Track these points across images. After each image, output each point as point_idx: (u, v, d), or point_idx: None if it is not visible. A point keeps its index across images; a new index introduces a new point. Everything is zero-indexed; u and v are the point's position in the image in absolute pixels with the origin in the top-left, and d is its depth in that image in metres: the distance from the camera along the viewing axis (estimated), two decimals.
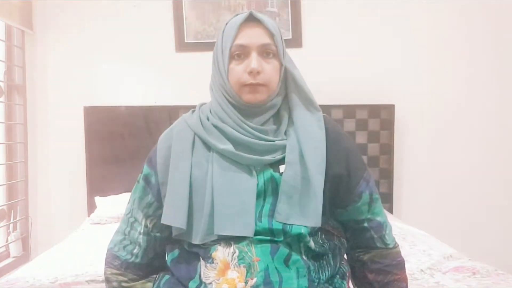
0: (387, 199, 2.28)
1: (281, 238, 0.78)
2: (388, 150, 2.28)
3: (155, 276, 0.91)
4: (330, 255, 0.85)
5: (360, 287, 0.91)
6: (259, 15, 0.83)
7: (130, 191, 0.92)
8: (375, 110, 2.26)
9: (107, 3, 2.26)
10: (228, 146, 0.81)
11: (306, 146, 0.81)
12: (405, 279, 0.89)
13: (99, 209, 2.05)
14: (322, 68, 2.27)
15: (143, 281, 0.89)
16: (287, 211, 0.79)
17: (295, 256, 0.78)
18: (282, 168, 0.82)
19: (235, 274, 0.75)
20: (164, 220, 0.82)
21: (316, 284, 0.79)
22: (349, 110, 2.25)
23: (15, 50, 2.26)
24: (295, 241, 0.80)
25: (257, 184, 0.81)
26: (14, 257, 2.19)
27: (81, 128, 2.23)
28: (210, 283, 0.76)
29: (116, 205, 1.98)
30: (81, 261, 1.39)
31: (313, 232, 0.82)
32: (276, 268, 0.76)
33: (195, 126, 0.85)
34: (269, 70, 0.82)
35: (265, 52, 0.82)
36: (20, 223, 2.28)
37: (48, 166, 2.32)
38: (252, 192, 0.79)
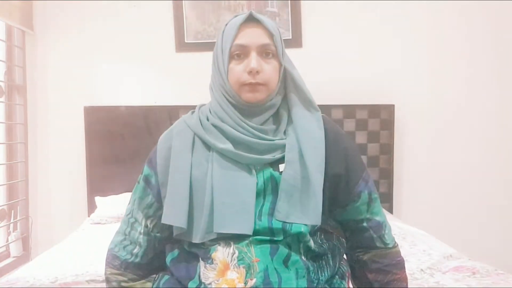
0: (387, 199, 2.28)
1: (281, 238, 0.78)
2: (388, 150, 2.28)
3: (154, 276, 0.91)
4: (329, 255, 0.85)
5: (360, 287, 0.91)
6: (259, 16, 0.83)
7: (130, 191, 0.93)
8: (375, 110, 2.26)
9: (107, 3, 2.26)
10: (228, 146, 0.81)
11: (305, 145, 0.82)
12: (405, 279, 0.90)
13: (99, 209, 2.05)
14: (322, 68, 2.27)
15: (143, 281, 0.90)
16: (287, 209, 0.79)
17: (294, 257, 0.78)
18: (281, 167, 0.82)
19: (234, 275, 0.75)
20: (165, 220, 0.82)
21: (315, 284, 0.79)
22: (349, 110, 2.25)
23: (15, 50, 2.26)
24: (295, 241, 0.80)
25: (257, 183, 0.81)
26: (14, 257, 2.19)
27: (81, 128, 2.23)
28: (209, 284, 0.76)
29: (116, 205, 1.98)
30: (81, 261, 1.39)
31: (313, 232, 0.82)
32: (275, 268, 0.76)
33: (194, 126, 0.86)
34: (269, 70, 0.82)
35: (264, 52, 0.82)
36: (21, 223, 2.28)
37: (48, 166, 2.32)
38: (251, 191, 0.80)
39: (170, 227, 0.85)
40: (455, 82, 2.33)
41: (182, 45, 2.28)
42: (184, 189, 0.81)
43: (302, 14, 2.27)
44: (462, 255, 1.42)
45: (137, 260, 0.88)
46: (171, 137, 0.87)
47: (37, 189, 2.32)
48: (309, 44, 2.30)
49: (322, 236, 0.86)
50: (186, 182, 0.81)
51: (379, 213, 0.89)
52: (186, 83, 2.26)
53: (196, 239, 0.80)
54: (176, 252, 0.86)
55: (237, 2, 2.26)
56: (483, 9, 2.29)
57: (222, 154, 0.82)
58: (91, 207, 2.16)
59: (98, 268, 1.24)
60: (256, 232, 0.78)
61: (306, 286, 0.77)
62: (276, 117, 0.88)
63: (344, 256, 0.93)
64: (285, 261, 0.77)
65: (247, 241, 0.77)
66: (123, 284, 0.88)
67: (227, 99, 0.84)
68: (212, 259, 0.78)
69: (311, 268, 0.80)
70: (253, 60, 0.80)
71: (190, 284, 0.79)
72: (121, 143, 2.22)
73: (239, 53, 0.82)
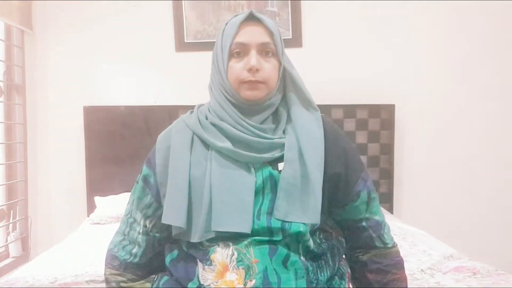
0: (387, 199, 2.28)
1: (280, 237, 0.78)
2: (388, 150, 2.28)
3: (154, 276, 0.91)
4: (328, 255, 0.85)
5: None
6: (259, 15, 0.84)
7: (130, 191, 0.92)
8: (375, 110, 2.26)
9: (107, 3, 2.26)
10: (227, 144, 0.81)
11: (305, 144, 0.82)
12: (404, 279, 0.89)
13: (99, 209, 2.05)
14: (322, 68, 2.27)
15: (142, 281, 0.89)
16: (286, 208, 0.79)
17: (293, 257, 0.78)
18: (280, 166, 0.82)
19: (233, 276, 0.75)
20: (164, 220, 0.82)
21: (314, 285, 0.79)
22: (349, 110, 2.25)
23: (14, 50, 2.25)
24: (294, 241, 0.79)
25: (256, 182, 0.81)
26: (13, 257, 2.19)
27: (81, 128, 2.23)
28: (208, 285, 0.76)
29: (116, 205, 1.98)
30: (81, 261, 1.39)
31: (312, 232, 0.82)
32: (274, 269, 0.76)
33: (193, 125, 0.86)
34: (268, 68, 0.83)
35: (264, 50, 0.83)
36: (20, 223, 2.28)
37: (47, 166, 2.31)
38: (250, 189, 0.80)
39: (169, 227, 0.85)
40: (455, 82, 2.33)
41: (182, 45, 2.27)
42: (183, 188, 0.81)
43: (302, 14, 2.27)
44: (463, 255, 1.42)
45: (136, 260, 0.88)
46: (170, 137, 0.87)
47: (36, 189, 2.32)
48: (309, 44, 2.29)
49: (321, 236, 0.86)
50: (185, 181, 0.81)
51: (378, 213, 0.89)
52: (186, 83, 2.26)
53: (194, 238, 0.80)
54: (175, 252, 0.86)
55: (237, 2, 2.26)
56: (483, 9, 2.29)
57: (221, 152, 0.82)
58: (91, 207, 2.16)
59: (97, 268, 1.23)
60: (255, 232, 0.78)
61: (305, 286, 0.77)
62: (275, 116, 0.88)
63: (344, 256, 0.93)
64: (284, 262, 0.77)
65: (246, 242, 0.77)
66: (122, 284, 0.87)
67: (226, 98, 0.84)
68: (211, 261, 0.77)
69: (310, 268, 0.80)
70: (253, 58, 0.80)
71: (190, 285, 0.79)
72: (121, 143, 2.21)
73: (239, 51, 0.82)
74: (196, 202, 0.81)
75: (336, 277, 0.86)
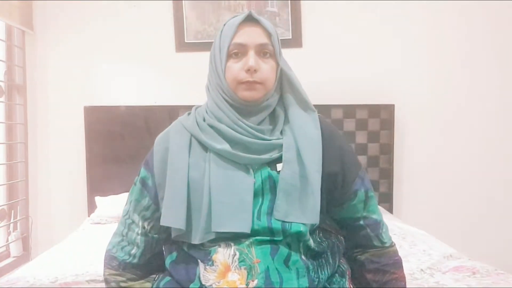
0: (387, 199, 2.28)
1: (281, 238, 0.79)
2: (388, 150, 2.28)
3: (154, 276, 0.91)
4: (328, 254, 0.85)
5: (359, 287, 0.92)
6: (257, 16, 0.84)
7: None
8: (375, 110, 2.26)
9: (107, 3, 2.26)
10: (225, 146, 0.82)
11: (303, 145, 0.82)
12: (403, 278, 0.90)
13: (99, 209, 2.05)
14: (322, 68, 2.27)
15: (142, 281, 0.90)
16: (286, 208, 0.80)
17: (294, 257, 0.78)
18: (279, 166, 0.83)
19: (236, 276, 0.75)
20: (164, 222, 0.82)
21: (316, 283, 0.79)
22: (349, 110, 2.25)
23: (15, 50, 2.26)
24: (295, 241, 0.80)
25: (255, 183, 0.81)
26: (14, 256, 2.19)
27: (81, 128, 2.23)
28: (210, 286, 0.76)
29: (116, 205, 1.98)
30: (81, 261, 1.39)
31: (311, 231, 0.83)
32: (276, 269, 0.76)
33: (191, 127, 0.86)
34: (266, 69, 0.83)
35: (262, 51, 0.83)
36: (21, 223, 2.28)
37: (48, 166, 2.32)
38: (249, 190, 0.80)
39: (168, 229, 0.85)
40: (455, 82, 2.33)
41: (182, 45, 2.28)
42: (182, 190, 0.81)
43: (302, 14, 2.27)
44: (462, 255, 1.42)
45: (135, 261, 0.88)
46: (168, 139, 0.87)
47: (37, 189, 2.32)
48: (309, 44, 2.30)
49: (321, 234, 0.86)
50: (183, 183, 0.81)
51: (375, 211, 0.90)
52: (186, 83, 2.26)
53: (195, 240, 0.80)
54: (174, 254, 0.86)
55: (237, 2, 2.26)
56: (483, 9, 2.29)
57: (219, 154, 0.83)
58: (91, 207, 2.16)
59: (98, 268, 1.23)
60: (256, 232, 0.78)
61: (307, 285, 0.77)
62: (272, 117, 0.88)
63: (343, 255, 0.93)
64: (286, 261, 0.78)
65: (247, 243, 0.77)
66: (122, 284, 0.88)
67: (224, 98, 0.84)
68: (213, 261, 0.78)
69: (311, 267, 0.80)
70: (251, 59, 0.81)
71: (191, 286, 0.79)
72: (121, 143, 2.22)
73: (237, 51, 0.82)
74: (195, 204, 0.81)
75: (337, 275, 0.87)
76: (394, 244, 0.91)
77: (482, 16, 2.30)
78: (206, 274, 0.78)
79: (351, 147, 0.93)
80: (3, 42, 2.19)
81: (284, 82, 0.88)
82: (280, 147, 0.84)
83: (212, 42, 0.88)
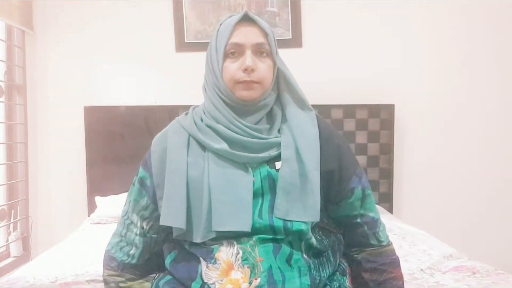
0: (387, 199, 2.28)
1: (283, 236, 0.79)
2: (388, 150, 2.28)
3: (153, 275, 0.91)
4: (329, 251, 0.86)
5: (356, 287, 0.92)
6: (253, 16, 0.85)
7: None
8: (375, 110, 2.26)
9: (107, 3, 2.26)
10: (223, 145, 0.82)
11: (301, 143, 0.83)
12: (400, 277, 0.90)
13: (99, 209, 2.05)
14: (322, 68, 2.27)
15: (141, 280, 0.90)
16: (286, 206, 0.80)
17: (296, 255, 0.79)
18: (278, 164, 0.83)
19: (239, 275, 0.76)
20: (163, 221, 0.82)
21: (317, 281, 0.79)
22: (349, 110, 2.25)
23: (15, 50, 2.26)
24: (296, 239, 0.80)
25: (254, 182, 0.81)
26: (14, 256, 2.19)
27: (81, 128, 2.23)
28: (212, 284, 0.76)
29: (117, 205, 1.97)
30: (81, 261, 1.39)
31: (311, 228, 0.83)
32: (279, 267, 0.77)
33: (189, 127, 0.86)
34: (263, 69, 0.83)
35: (259, 51, 0.84)
36: (21, 223, 2.28)
37: (48, 166, 2.32)
38: (248, 188, 0.80)
39: (167, 228, 0.85)
40: (455, 82, 2.33)
41: (182, 45, 2.28)
42: (181, 189, 0.81)
43: (302, 14, 2.27)
44: (462, 255, 1.42)
45: (134, 261, 0.89)
46: (166, 139, 0.88)
47: (37, 189, 2.32)
48: (309, 44, 2.30)
49: (320, 233, 0.87)
50: (183, 182, 0.82)
51: (373, 210, 0.90)
52: (186, 83, 2.25)
53: (197, 239, 0.80)
54: (174, 253, 0.86)
55: (237, 2, 2.26)
56: (483, 9, 2.29)
57: (218, 153, 0.83)
58: (91, 207, 2.16)
59: (98, 268, 1.23)
60: (257, 231, 0.79)
61: (309, 283, 0.77)
62: (269, 116, 0.89)
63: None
64: (288, 260, 0.78)
65: (251, 241, 0.78)
66: (121, 284, 0.88)
67: (220, 98, 0.85)
68: (216, 259, 0.78)
69: (313, 266, 0.80)
70: (248, 58, 0.81)
71: (193, 285, 0.79)
72: (121, 143, 2.22)
73: (234, 51, 0.83)
74: (195, 203, 0.82)
75: (338, 273, 0.87)
76: (391, 243, 0.92)
77: (482, 16, 2.30)
78: (208, 272, 0.78)
79: (349, 146, 0.94)
80: (3, 42, 2.19)
81: (281, 81, 0.89)
82: (278, 145, 0.84)
83: None
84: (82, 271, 1.29)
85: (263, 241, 0.78)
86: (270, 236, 0.79)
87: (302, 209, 0.80)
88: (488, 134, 2.34)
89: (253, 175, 0.82)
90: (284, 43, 2.16)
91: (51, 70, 2.29)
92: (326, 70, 2.28)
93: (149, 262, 0.91)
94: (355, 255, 0.90)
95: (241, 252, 0.77)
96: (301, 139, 0.83)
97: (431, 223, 2.16)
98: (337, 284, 0.84)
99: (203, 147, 0.85)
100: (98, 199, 2.12)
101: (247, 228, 0.78)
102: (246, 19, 0.84)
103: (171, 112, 2.19)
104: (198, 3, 2.25)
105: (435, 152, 2.34)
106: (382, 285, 0.87)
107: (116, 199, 2.06)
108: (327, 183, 0.85)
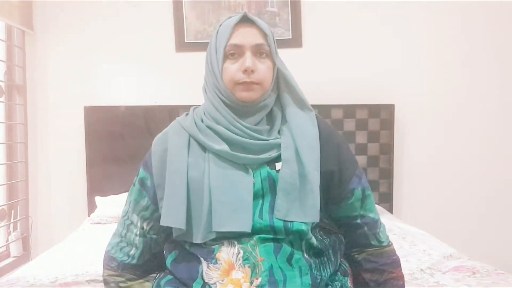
0: (387, 199, 2.28)
1: (283, 236, 0.79)
2: (388, 150, 2.28)
3: (154, 275, 0.91)
4: (330, 251, 0.86)
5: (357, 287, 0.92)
6: (252, 17, 0.85)
7: None
8: (375, 110, 2.26)
9: (107, 3, 2.26)
10: (224, 147, 0.82)
11: (301, 144, 0.83)
12: (401, 277, 0.90)
13: (100, 209, 2.05)
14: (322, 68, 2.27)
15: (141, 280, 0.90)
16: (286, 207, 0.80)
17: (297, 255, 0.79)
18: (278, 165, 0.83)
19: (240, 274, 0.76)
20: (164, 222, 0.82)
21: (318, 281, 0.80)
22: (349, 110, 2.25)
23: (15, 50, 2.26)
24: (297, 239, 0.80)
25: (255, 183, 0.82)
26: (14, 256, 2.19)
27: (81, 128, 2.23)
28: (213, 284, 0.77)
29: (117, 205, 1.97)
30: (81, 261, 1.39)
31: (311, 228, 0.83)
32: (280, 267, 0.77)
33: (189, 128, 0.86)
34: (263, 69, 0.83)
35: (258, 52, 0.84)
36: (21, 223, 2.28)
37: (48, 166, 2.32)
38: (248, 189, 0.81)
39: (167, 229, 0.85)
40: (455, 82, 2.33)
41: (182, 45, 2.28)
42: (182, 190, 0.81)
43: (302, 14, 2.27)
44: (462, 255, 1.42)
45: (134, 261, 0.89)
46: (166, 139, 0.88)
47: (37, 189, 2.32)
48: (309, 44, 2.30)
49: (321, 232, 0.87)
50: (183, 183, 0.82)
51: (373, 210, 0.90)
52: (186, 83, 2.25)
53: (197, 240, 0.80)
54: (175, 253, 0.86)
55: (237, 2, 2.26)
56: (483, 9, 2.29)
57: (218, 154, 0.83)
58: (91, 207, 2.16)
59: (98, 268, 1.23)
60: (258, 231, 0.79)
61: (310, 282, 0.77)
62: (269, 117, 0.89)
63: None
64: (289, 259, 0.78)
65: (252, 241, 0.78)
66: (121, 284, 0.88)
67: (220, 99, 0.85)
68: (216, 259, 0.78)
69: (314, 265, 0.81)
70: (248, 59, 0.81)
71: (194, 285, 0.79)
72: (121, 143, 2.22)
73: (234, 52, 0.83)
74: (196, 203, 0.82)
75: (339, 273, 0.87)
76: (392, 244, 0.92)
77: (482, 16, 2.30)
78: (209, 272, 0.78)
79: (349, 146, 0.94)
80: (3, 42, 2.19)
81: (280, 82, 0.89)
82: (278, 146, 0.84)
83: None
84: (82, 271, 1.29)
85: (264, 240, 0.78)
86: (271, 236, 0.79)
87: (302, 209, 0.80)
88: (488, 134, 2.34)
89: (254, 176, 0.82)
90: (284, 43, 2.16)
91: (51, 70, 2.29)
92: (326, 70, 2.28)
93: (149, 262, 0.91)
94: (355, 256, 0.90)
95: (242, 252, 0.77)
96: (301, 140, 0.83)
97: (431, 223, 2.16)
98: (339, 285, 0.84)
99: (204, 148, 0.85)
100: (98, 199, 2.12)
101: (247, 228, 0.78)
102: (246, 20, 0.84)
103: (171, 112, 2.19)
104: (198, 3, 2.25)
105: (435, 152, 2.34)
106: (383, 285, 0.87)
107: (116, 199, 2.06)
108: (327, 183, 0.86)
